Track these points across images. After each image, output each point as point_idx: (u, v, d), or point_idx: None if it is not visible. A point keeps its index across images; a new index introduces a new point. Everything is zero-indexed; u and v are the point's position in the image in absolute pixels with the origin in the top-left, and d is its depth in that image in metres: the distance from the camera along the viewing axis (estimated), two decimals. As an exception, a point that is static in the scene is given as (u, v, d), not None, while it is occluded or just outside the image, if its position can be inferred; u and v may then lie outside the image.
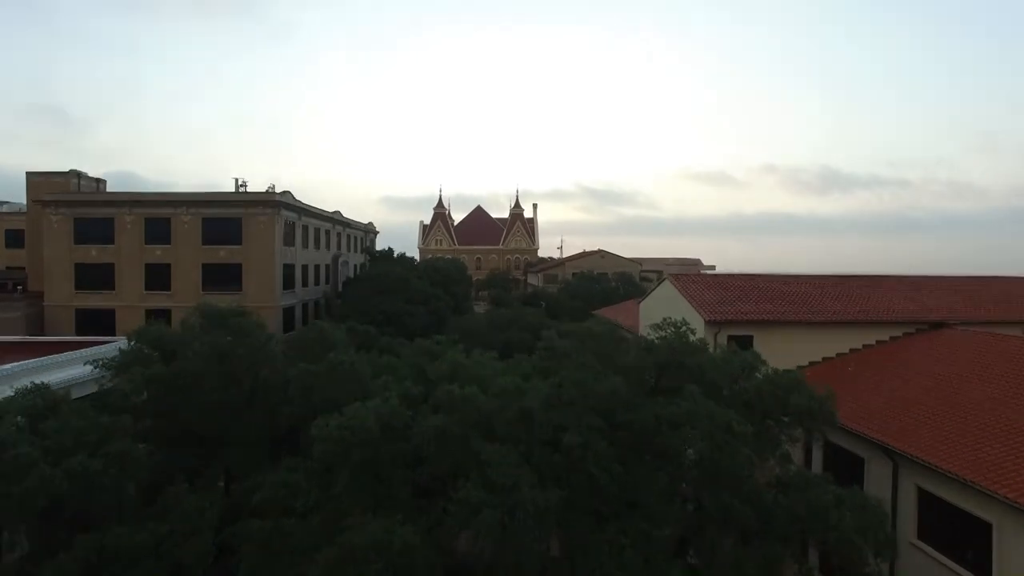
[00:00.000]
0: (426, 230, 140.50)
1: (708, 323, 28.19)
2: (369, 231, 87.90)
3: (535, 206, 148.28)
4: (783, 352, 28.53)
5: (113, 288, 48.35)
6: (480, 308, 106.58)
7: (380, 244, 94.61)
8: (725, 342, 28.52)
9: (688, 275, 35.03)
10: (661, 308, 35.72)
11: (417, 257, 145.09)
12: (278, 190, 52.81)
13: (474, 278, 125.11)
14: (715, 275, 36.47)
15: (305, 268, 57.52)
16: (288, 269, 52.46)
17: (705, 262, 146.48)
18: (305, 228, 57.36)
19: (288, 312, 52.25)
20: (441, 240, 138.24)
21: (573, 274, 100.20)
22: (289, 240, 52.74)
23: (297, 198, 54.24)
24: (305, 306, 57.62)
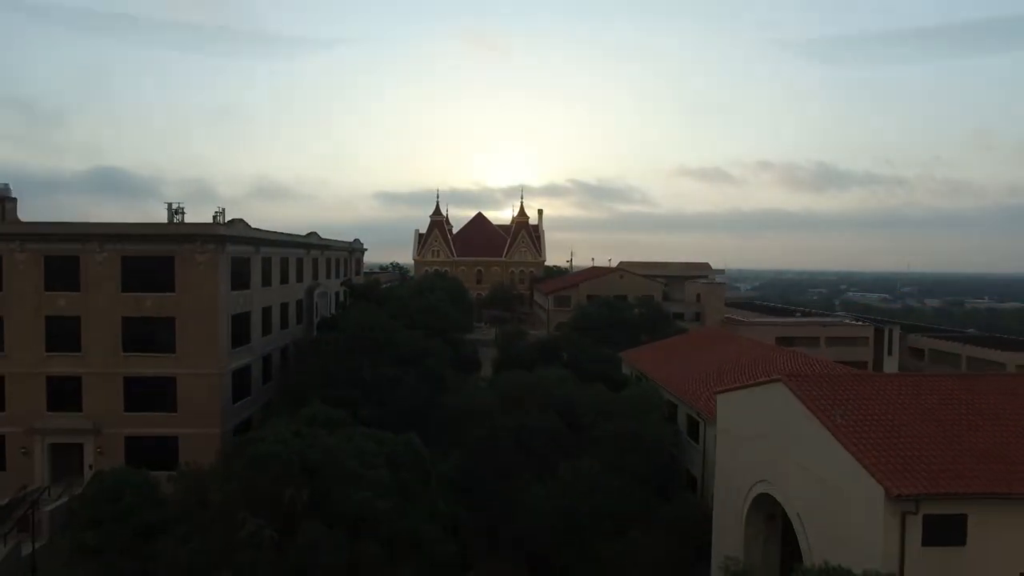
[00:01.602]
0: (422, 240, 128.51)
1: (894, 499, 16.48)
2: (355, 250, 76.09)
3: (540, 212, 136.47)
4: (1018, 542, 16.91)
5: (1, 349, 36.54)
6: (483, 333, 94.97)
7: (375, 243, 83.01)
8: (918, 526, 16.85)
9: (813, 377, 23.11)
10: (762, 419, 23.91)
11: (412, 270, 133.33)
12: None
13: (475, 294, 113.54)
14: (858, 375, 24.43)
15: (267, 311, 45.73)
16: (241, 319, 40.68)
17: (695, 258, 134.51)
18: (267, 261, 45.57)
19: (240, 376, 40.43)
20: (439, 251, 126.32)
21: (588, 296, 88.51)
22: (242, 280, 40.96)
23: (252, 225, 42.42)
24: (267, 360, 45.82)
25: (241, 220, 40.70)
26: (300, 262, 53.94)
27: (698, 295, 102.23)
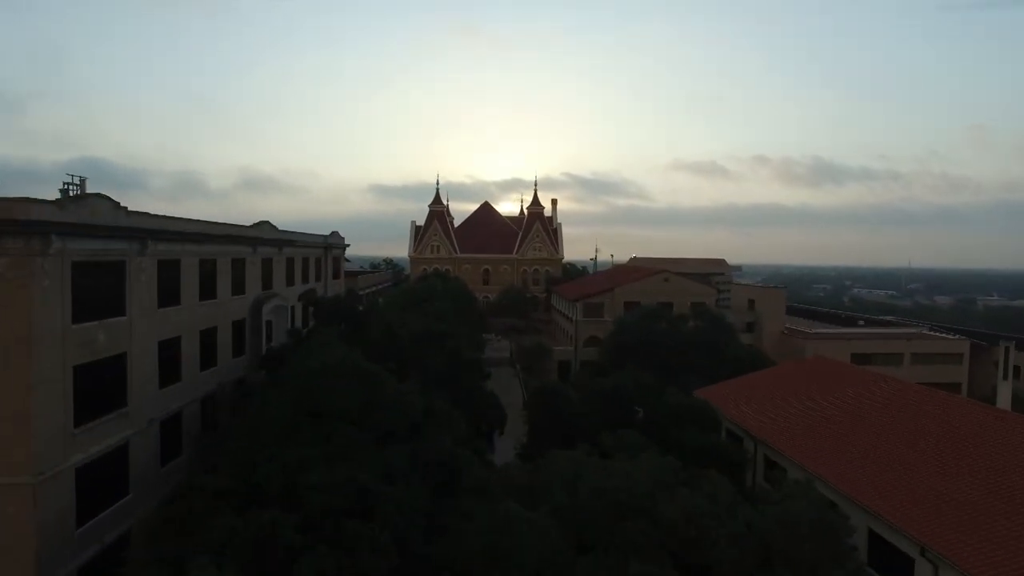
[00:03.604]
0: (419, 233, 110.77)
1: None
2: (333, 246, 58.51)
3: (554, 202, 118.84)
4: None
5: None
6: (494, 347, 77.80)
7: (370, 238, 65.90)
8: None
9: None
10: None
11: (408, 267, 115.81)
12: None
13: (481, 296, 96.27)
14: None
15: (171, 346, 28.36)
16: (105, 369, 23.30)
17: (694, 253, 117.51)
18: (172, 265, 28.19)
19: (97, 471, 22.93)
20: (438, 247, 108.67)
21: (626, 304, 71.33)
22: (108, 302, 23.58)
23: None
24: (172, 424, 28.39)
25: (104, 197, 23.17)
26: (241, 265, 36.54)
27: (751, 300, 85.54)
